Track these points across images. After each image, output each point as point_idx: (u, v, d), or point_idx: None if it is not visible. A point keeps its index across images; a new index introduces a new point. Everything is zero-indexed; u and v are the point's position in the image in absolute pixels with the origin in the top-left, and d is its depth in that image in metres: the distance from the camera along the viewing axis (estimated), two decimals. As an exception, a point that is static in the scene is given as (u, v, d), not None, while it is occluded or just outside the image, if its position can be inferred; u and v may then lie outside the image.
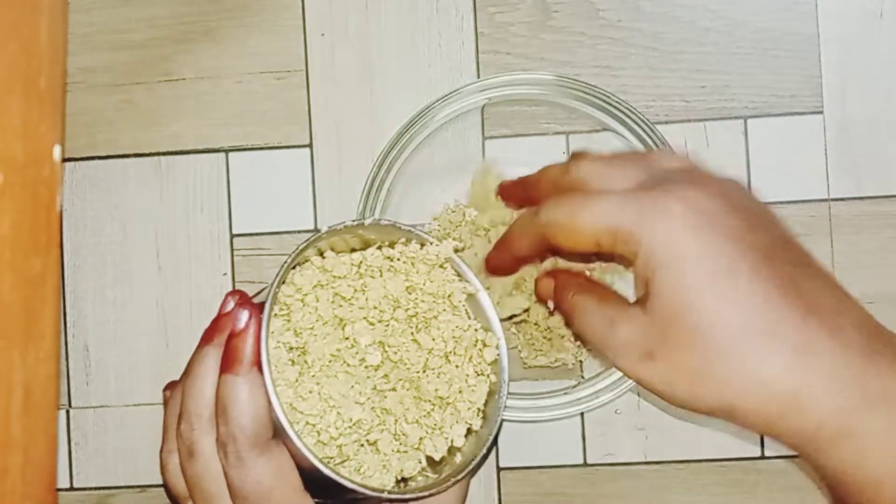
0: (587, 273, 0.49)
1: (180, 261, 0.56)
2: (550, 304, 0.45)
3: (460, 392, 0.43)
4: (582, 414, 0.53)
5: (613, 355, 0.37)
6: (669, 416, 0.53)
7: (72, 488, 0.56)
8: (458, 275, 0.45)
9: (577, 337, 0.50)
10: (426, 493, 0.39)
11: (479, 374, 0.44)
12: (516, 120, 0.55)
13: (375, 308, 0.42)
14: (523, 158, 0.55)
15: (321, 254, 0.42)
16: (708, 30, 0.54)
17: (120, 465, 0.56)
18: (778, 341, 0.33)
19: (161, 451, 0.41)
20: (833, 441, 0.33)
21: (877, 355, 0.34)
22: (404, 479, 0.41)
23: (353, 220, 0.40)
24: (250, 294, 0.42)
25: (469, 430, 0.43)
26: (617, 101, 0.52)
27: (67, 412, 0.56)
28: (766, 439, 0.53)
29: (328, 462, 0.38)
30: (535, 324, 0.51)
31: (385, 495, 0.39)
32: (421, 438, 0.41)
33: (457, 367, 0.43)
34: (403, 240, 0.43)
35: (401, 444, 0.41)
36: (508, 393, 0.44)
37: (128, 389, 0.56)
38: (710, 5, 0.54)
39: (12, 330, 0.35)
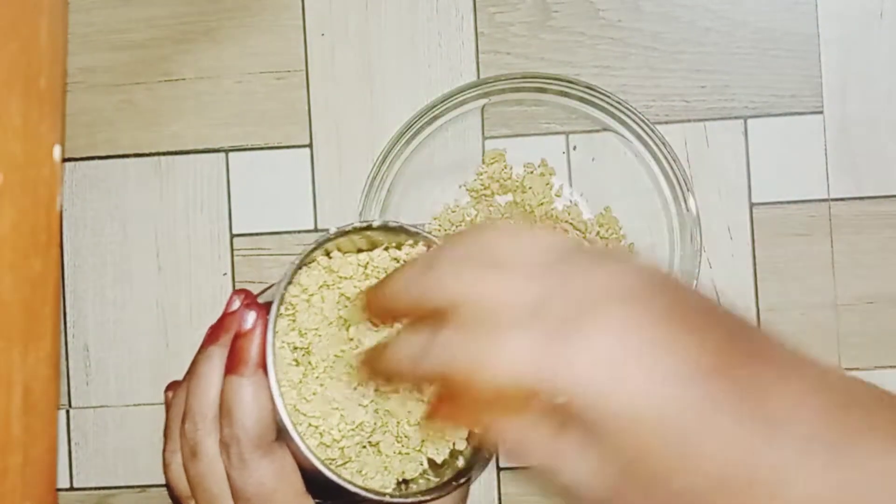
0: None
1: (180, 261, 0.56)
2: None
3: None
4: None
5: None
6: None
7: (72, 488, 0.56)
8: None
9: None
10: (428, 497, 0.39)
11: None
12: (516, 120, 0.55)
13: None
14: (523, 158, 0.55)
15: (328, 254, 0.42)
16: (708, 30, 0.54)
17: (120, 465, 0.56)
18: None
19: (164, 451, 0.41)
20: None
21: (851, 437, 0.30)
22: (405, 482, 0.41)
23: (362, 222, 0.40)
24: (255, 293, 0.42)
25: (471, 433, 0.43)
26: (617, 101, 0.52)
27: (67, 412, 0.56)
28: None
29: (330, 463, 0.38)
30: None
31: (387, 499, 0.38)
32: (423, 441, 0.41)
33: None
34: (411, 242, 0.43)
35: (403, 446, 0.41)
36: None
37: (128, 389, 0.56)
38: (710, 5, 0.54)
39: (12, 330, 0.35)
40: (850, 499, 0.29)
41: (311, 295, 0.41)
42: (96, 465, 0.56)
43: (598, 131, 0.54)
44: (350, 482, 0.37)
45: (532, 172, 0.54)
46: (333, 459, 0.39)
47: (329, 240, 0.40)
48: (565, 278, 0.30)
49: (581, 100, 0.53)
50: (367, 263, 0.42)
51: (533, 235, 0.32)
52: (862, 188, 0.54)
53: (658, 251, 0.54)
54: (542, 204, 0.54)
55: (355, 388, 0.40)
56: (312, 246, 0.39)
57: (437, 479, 0.41)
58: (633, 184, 0.54)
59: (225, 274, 0.56)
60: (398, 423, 0.41)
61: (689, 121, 0.54)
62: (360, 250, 0.43)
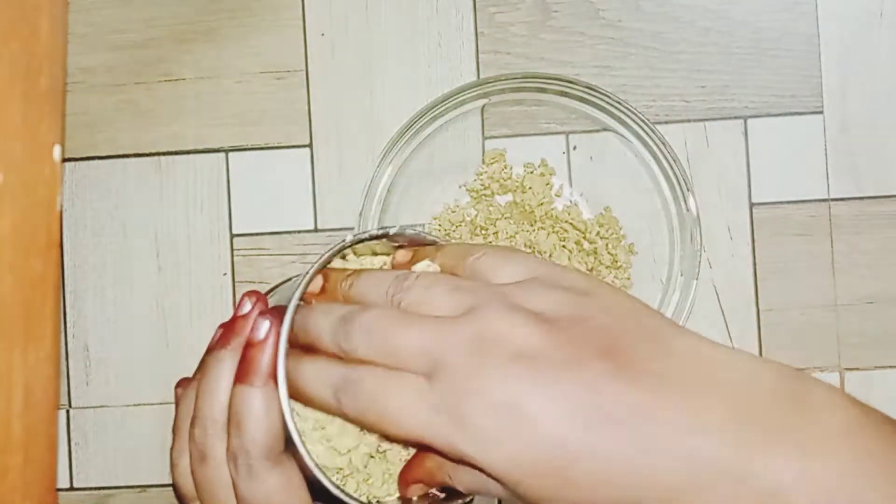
0: None
1: (180, 261, 0.56)
2: None
3: None
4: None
5: None
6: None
7: (72, 488, 0.56)
8: None
9: None
10: None
11: None
12: (516, 120, 0.55)
13: None
14: (523, 158, 0.55)
15: (343, 256, 0.42)
16: (708, 30, 0.54)
17: (120, 465, 0.56)
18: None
19: (171, 450, 0.41)
20: None
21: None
22: None
23: (379, 229, 0.40)
24: (262, 292, 0.42)
25: None
26: (617, 101, 0.52)
27: (67, 412, 0.56)
28: None
29: (338, 472, 0.38)
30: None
31: None
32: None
33: None
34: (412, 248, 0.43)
35: (409, 454, 0.41)
36: None
37: (128, 389, 0.56)
38: (710, 5, 0.54)
39: (12, 330, 0.35)
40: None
41: None
42: (96, 465, 0.56)
43: (598, 131, 0.54)
44: (355, 498, 0.37)
45: (532, 172, 0.54)
46: (341, 469, 0.39)
47: (345, 247, 0.40)
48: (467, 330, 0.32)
49: (581, 100, 0.53)
50: (381, 268, 0.42)
51: (447, 290, 0.35)
52: (862, 188, 0.54)
53: (658, 251, 0.54)
54: (542, 204, 0.54)
55: None
56: (328, 254, 0.39)
57: (443, 494, 0.41)
58: (633, 184, 0.54)
59: (225, 274, 0.56)
60: None
61: (689, 121, 0.54)
62: (375, 253, 0.43)
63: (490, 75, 0.54)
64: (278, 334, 0.37)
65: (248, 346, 0.37)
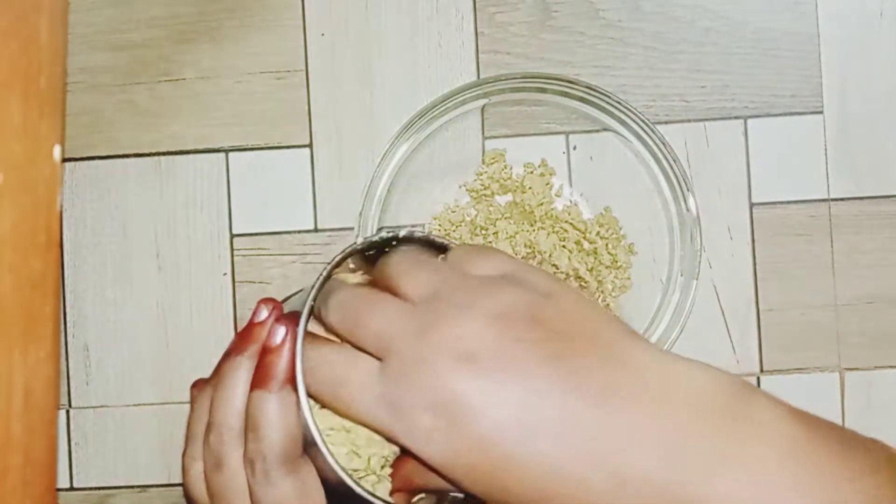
0: None
1: (180, 261, 0.56)
2: None
3: None
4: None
5: None
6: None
7: (72, 488, 0.56)
8: None
9: None
10: None
11: None
12: (516, 120, 0.55)
13: None
14: (523, 158, 0.55)
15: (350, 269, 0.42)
16: (708, 30, 0.54)
17: (120, 465, 0.56)
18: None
19: (183, 455, 0.40)
20: None
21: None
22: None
23: (388, 231, 0.39)
24: (278, 299, 0.42)
25: None
26: (617, 101, 0.52)
27: (67, 412, 0.56)
28: None
29: (354, 474, 0.38)
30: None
31: None
32: None
33: None
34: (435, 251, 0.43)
35: None
36: None
37: (128, 389, 0.56)
38: (710, 5, 0.54)
39: (12, 330, 0.35)
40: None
41: None
42: (96, 465, 0.56)
43: (598, 131, 0.54)
44: (382, 499, 0.37)
45: (532, 172, 0.54)
46: (357, 470, 0.39)
47: (356, 250, 0.39)
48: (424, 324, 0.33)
49: (581, 100, 0.53)
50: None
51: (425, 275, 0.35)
52: (862, 188, 0.54)
53: (658, 251, 0.54)
54: (541, 204, 0.54)
55: None
56: (339, 257, 0.39)
57: (461, 496, 0.40)
58: (633, 184, 0.54)
59: (225, 274, 0.56)
60: None
61: (689, 121, 0.54)
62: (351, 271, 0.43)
63: (490, 75, 0.54)
64: (294, 339, 0.37)
65: (265, 351, 0.37)
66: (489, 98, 0.53)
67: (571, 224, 0.54)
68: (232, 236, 0.56)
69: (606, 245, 0.54)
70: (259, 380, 0.37)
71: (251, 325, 0.39)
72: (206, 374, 0.42)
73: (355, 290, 0.36)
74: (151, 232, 0.56)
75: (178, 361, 0.56)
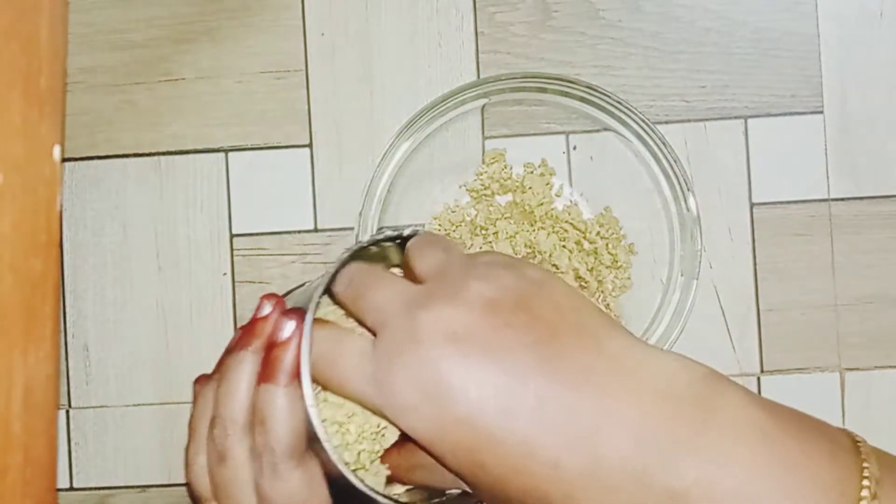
0: None
1: (180, 261, 0.56)
2: None
3: None
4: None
5: None
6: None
7: (72, 488, 0.56)
8: None
9: None
10: None
11: None
12: (516, 120, 0.55)
13: None
14: (523, 158, 0.55)
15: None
16: (708, 30, 0.54)
17: (120, 465, 0.56)
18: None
19: (187, 450, 0.41)
20: None
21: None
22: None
23: (394, 230, 0.40)
24: (281, 294, 0.42)
25: None
26: (617, 101, 0.52)
27: (67, 412, 0.56)
28: None
29: (346, 466, 0.38)
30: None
31: None
32: None
33: None
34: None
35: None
36: None
37: (128, 389, 0.56)
38: (710, 5, 0.54)
39: (12, 330, 0.35)
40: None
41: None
42: (96, 465, 0.56)
43: (598, 131, 0.54)
44: (383, 494, 0.37)
45: (532, 172, 0.54)
46: (348, 464, 0.39)
47: (362, 248, 0.40)
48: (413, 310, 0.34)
49: (581, 100, 0.53)
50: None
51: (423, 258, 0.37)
52: (862, 188, 0.54)
53: (658, 251, 0.54)
54: (541, 204, 0.54)
55: None
56: (346, 256, 0.39)
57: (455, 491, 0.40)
58: (633, 184, 0.54)
59: (225, 274, 0.56)
60: None
61: (689, 121, 0.54)
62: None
63: (490, 75, 0.54)
64: (302, 334, 0.37)
65: (273, 346, 0.37)
66: (489, 98, 0.53)
67: (571, 224, 0.54)
68: (232, 236, 0.56)
69: (606, 245, 0.54)
70: (267, 374, 0.37)
71: (255, 320, 0.39)
72: (207, 373, 0.42)
73: (366, 266, 0.37)
74: (151, 232, 0.56)
75: (178, 361, 0.56)
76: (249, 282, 0.56)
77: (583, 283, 0.54)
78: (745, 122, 0.54)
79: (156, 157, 0.56)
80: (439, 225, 0.54)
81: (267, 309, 0.39)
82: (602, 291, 0.54)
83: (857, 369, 0.54)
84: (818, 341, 0.54)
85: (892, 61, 0.54)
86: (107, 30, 0.56)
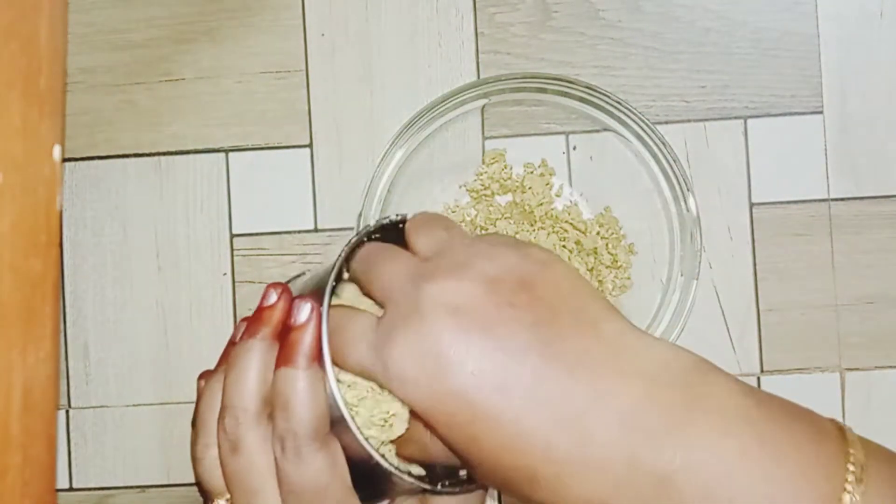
0: None
1: (180, 261, 0.56)
2: None
3: None
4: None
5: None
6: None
7: (71, 488, 0.56)
8: None
9: None
10: (472, 486, 0.39)
11: None
12: (516, 120, 0.55)
13: None
14: (523, 158, 0.55)
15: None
16: (708, 30, 0.54)
17: (120, 465, 0.56)
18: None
19: (195, 445, 0.40)
20: None
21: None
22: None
23: (397, 215, 0.40)
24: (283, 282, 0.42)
25: None
26: (617, 101, 0.52)
27: (67, 412, 0.56)
28: None
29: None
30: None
31: (438, 487, 0.38)
32: None
33: None
34: None
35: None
36: None
37: (128, 389, 0.56)
38: (710, 5, 0.54)
39: (12, 330, 0.35)
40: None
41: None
42: (96, 465, 0.56)
43: (598, 131, 0.54)
44: (407, 472, 0.37)
45: (532, 172, 0.54)
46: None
47: (369, 232, 0.40)
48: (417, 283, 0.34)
49: (581, 100, 0.53)
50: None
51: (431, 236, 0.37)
52: (862, 188, 0.54)
53: (658, 251, 0.54)
54: (541, 204, 0.54)
55: None
56: (356, 239, 0.39)
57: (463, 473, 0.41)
58: (633, 184, 0.54)
59: (225, 274, 0.56)
60: None
61: (689, 121, 0.54)
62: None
63: (490, 75, 0.54)
64: (320, 315, 0.37)
65: (290, 329, 0.38)
66: (489, 98, 0.53)
67: (571, 224, 0.54)
68: (232, 236, 0.56)
69: (606, 245, 0.54)
70: (286, 357, 0.37)
71: (261, 308, 0.39)
72: (210, 369, 0.42)
73: (380, 244, 0.38)
74: (151, 232, 0.56)
75: (178, 361, 0.56)
76: (249, 282, 0.56)
77: (583, 283, 0.53)
78: (745, 122, 0.54)
79: (156, 157, 0.56)
80: (439, 225, 0.54)
81: (273, 297, 0.39)
82: (602, 291, 0.54)
83: (857, 369, 0.54)
84: (818, 341, 0.54)
85: (892, 61, 0.54)
86: (107, 30, 0.56)
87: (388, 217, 0.40)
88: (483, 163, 0.55)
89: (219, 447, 0.39)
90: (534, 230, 0.54)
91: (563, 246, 0.54)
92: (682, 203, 0.52)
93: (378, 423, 0.37)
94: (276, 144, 0.56)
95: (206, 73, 0.56)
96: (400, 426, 0.38)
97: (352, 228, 0.54)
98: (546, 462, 0.32)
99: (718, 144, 0.54)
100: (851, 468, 0.31)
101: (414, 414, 0.35)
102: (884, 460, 0.32)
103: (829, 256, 0.54)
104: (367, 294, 0.37)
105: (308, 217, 0.56)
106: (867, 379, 0.54)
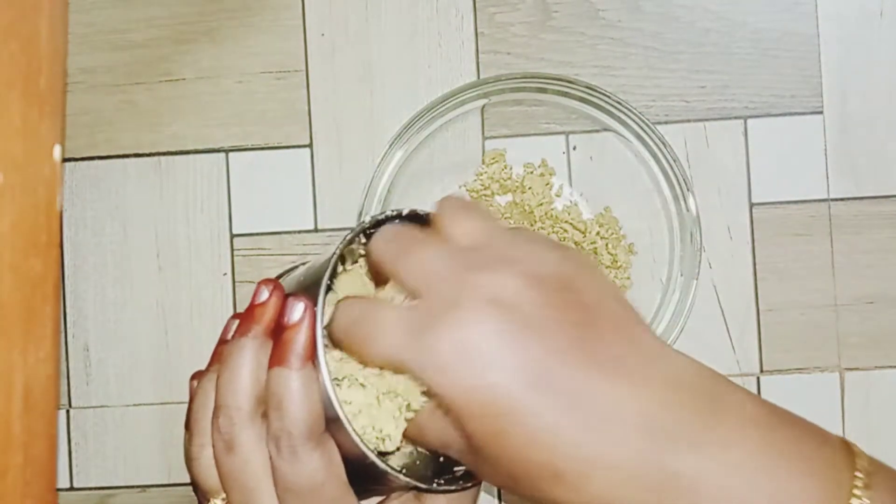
0: None
1: (180, 261, 0.56)
2: None
3: None
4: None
5: None
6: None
7: (72, 488, 0.56)
8: None
9: None
10: (469, 485, 0.39)
11: None
12: (516, 120, 0.55)
13: None
14: (523, 158, 0.55)
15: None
16: (708, 30, 0.54)
17: (120, 465, 0.56)
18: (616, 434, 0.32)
19: (190, 445, 0.40)
20: None
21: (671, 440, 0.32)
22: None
23: (393, 210, 0.40)
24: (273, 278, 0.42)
25: None
26: (617, 101, 0.52)
27: (67, 412, 0.56)
28: None
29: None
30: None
31: (434, 486, 0.38)
32: None
33: None
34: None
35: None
36: None
37: (128, 389, 0.56)
38: (710, 5, 0.54)
39: (12, 330, 0.35)
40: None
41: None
42: (96, 465, 0.56)
43: (598, 131, 0.54)
44: (403, 472, 0.37)
45: (532, 172, 0.54)
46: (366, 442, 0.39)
47: (365, 228, 0.40)
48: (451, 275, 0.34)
49: (581, 100, 0.53)
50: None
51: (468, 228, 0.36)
52: (862, 188, 0.54)
53: (658, 251, 0.54)
54: (541, 204, 0.54)
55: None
56: (351, 235, 0.39)
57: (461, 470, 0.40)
58: (633, 184, 0.54)
59: (225, 274, 0.56)
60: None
61: (689, 121, 0.54)
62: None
63: (490, 75, 0.54)
64: (314, 315, 0.37)
65: (283, 329, 0.37)
66: (489, 98, 0.53)
67: (571, 224, 0.54)
68: (232, 236, 0.56)
69: (606, 245, 0.54)
70: (279, 357, 0.37)
71: (253, 306, 0.39)
72: (202, 369, 0.42)
73: (406, 227, 0.37)
74: (151, 232, 0.56)
75: (178, 361, 0.56)
76: (249, 282, 0.56)
77: (583, 283, 0.53)
78: (745, 122, 0.54)
79: (156, 158, 0.56)
80: (439, 225, 0.54)
81: (265, 294, 0.39)
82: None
83: (857, 369, 0.54)
84: (818, 341, 0.54)
85: (892, 61, 0.54)
86: (107, 30, 0.56)
87: (384, 212, 0.40)
88: (483, 163, 0.55)
89: (213, 447, 0.39)
90: (534, 230, 0.54)
91: (563, 246, 0.54)
92: (682, 203, 0.52)
93: (377, 414, 0.37)
94: (276, 144, 0.56)
95: (206, 73, 0.56)
96: (391, 447, 0.38)
97: (352, 229, 0.54)
98: (573, 460, 0.32)
99: (718, 144, 0.54)
100: (859, 475, 0.32)
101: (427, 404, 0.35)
102: (888, 471, 0.33)
103: (828, 256, 0.54)
104: (393, 279, 0.36)
105: (308, 217, 0.56)
106: (867, 379, 0.54)
